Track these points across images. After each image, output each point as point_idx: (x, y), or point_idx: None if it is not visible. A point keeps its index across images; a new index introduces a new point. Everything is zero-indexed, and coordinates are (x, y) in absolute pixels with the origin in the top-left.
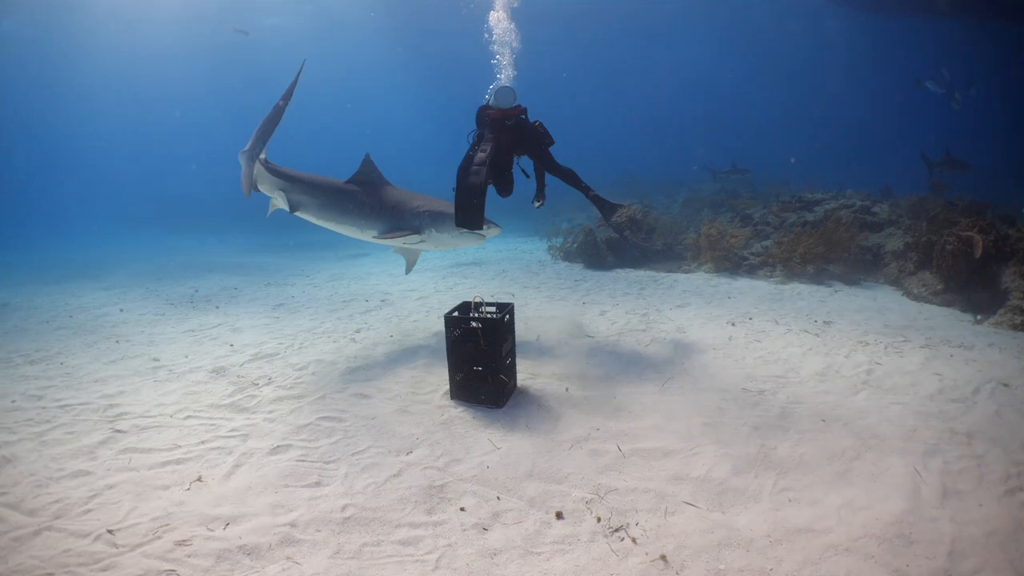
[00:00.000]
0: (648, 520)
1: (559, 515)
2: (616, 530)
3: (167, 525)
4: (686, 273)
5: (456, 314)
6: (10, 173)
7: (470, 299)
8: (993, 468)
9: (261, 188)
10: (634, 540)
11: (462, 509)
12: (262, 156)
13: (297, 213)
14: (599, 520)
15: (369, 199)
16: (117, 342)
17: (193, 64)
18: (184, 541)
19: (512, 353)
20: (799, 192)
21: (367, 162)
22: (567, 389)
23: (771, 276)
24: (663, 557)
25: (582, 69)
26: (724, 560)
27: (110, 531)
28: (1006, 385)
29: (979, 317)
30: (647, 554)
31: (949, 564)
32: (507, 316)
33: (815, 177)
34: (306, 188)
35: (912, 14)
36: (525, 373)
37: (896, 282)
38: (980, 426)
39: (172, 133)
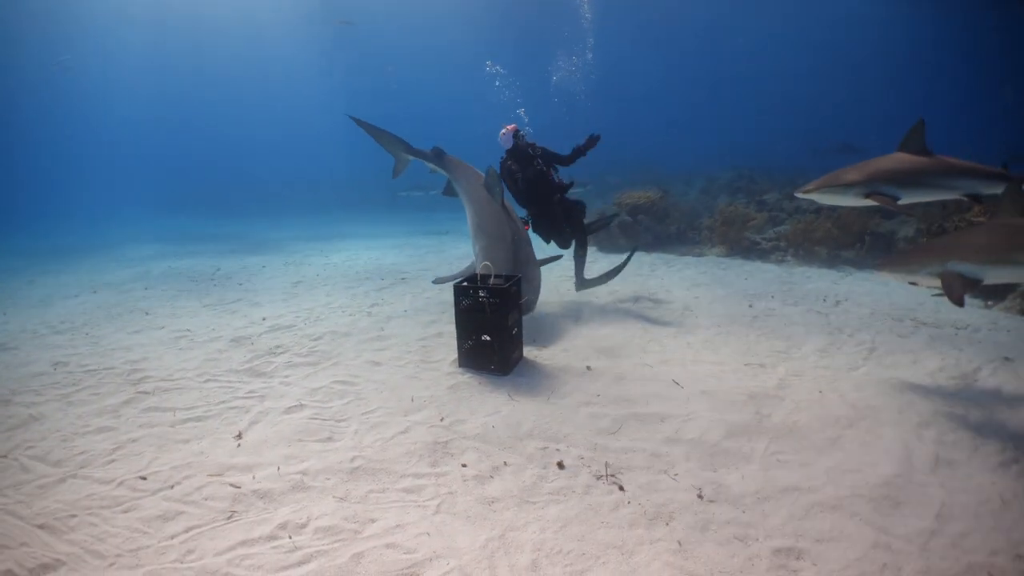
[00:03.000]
0: (641, 476)
1: (560, 464)
2: (610, 485)
3: (186, 473)
4: (698, 256)
5: (465, 283)
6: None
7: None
8: (989, 440)
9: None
10: (625, 494)
11: (464, 465)
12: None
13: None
14: (594, 475)
15: (477, 211)
16: (147, 314)
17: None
18: (202, 486)
19: (518, 323)
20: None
21: (490, 175)
22: (571, 360)
23: (783, 260)
24: (653, 509)
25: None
26: (711, 513)
27: (132, 478)
28: (1008, 359)
29: (989, 303)
30: (637, 506)
31: (936, 526)
32: (513, 287)
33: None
34: (457, 182)
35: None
36: (532, 345)
37: None
38: (979, 401)
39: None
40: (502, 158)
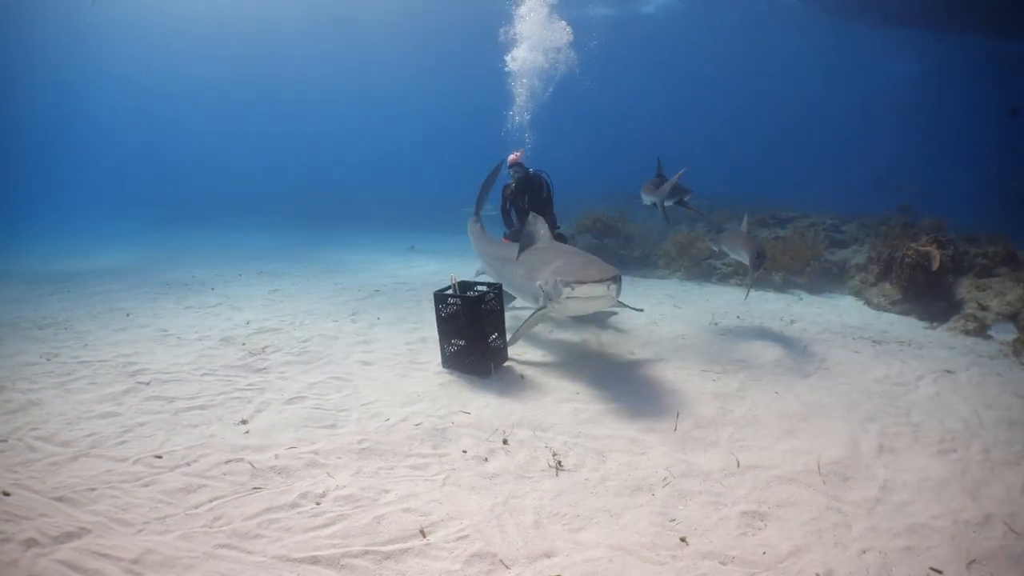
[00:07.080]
0: (622, 457)
1: (549, 447)
2: (596, 463)
3: (201, 453)
4: (662, 279)
5: (448, 291)
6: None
7: (467, 278)
8: (928, 434)
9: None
10: (609, 471)
11: (464, 451)
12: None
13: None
14: (580, 456)
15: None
16: (127, 315)
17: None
18: (219, 463)
19: (501, 329)
20: (774, 210)
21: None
22: (551, 364)
23: (740, 284)
24: (635, 483)
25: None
26: (686, 485)
27: (148, 456)
28: (950, 372)
29: (934, 324)
30: (621, 480)
31: (881, 495)
32: (491, 296)
33: (793, 196)
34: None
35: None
36: (513, 350)
37: (858, 293)
38: (919, 403)
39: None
40: (508, 183)
